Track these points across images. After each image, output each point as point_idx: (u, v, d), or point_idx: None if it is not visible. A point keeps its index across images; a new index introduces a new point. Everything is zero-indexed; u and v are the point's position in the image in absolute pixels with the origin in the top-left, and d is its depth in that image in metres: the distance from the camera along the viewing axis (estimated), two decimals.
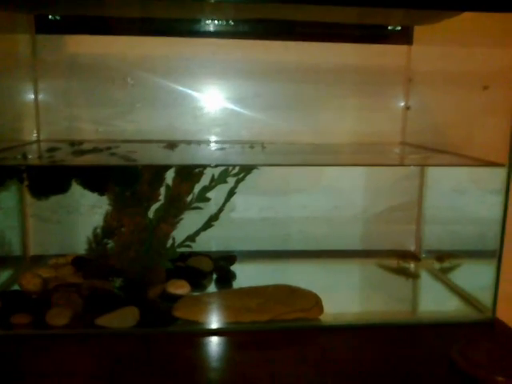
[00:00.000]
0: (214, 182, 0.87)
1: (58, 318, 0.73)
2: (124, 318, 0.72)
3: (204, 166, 0.84)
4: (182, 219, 0.85)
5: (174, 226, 0.83)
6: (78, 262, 0.90)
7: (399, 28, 1.06)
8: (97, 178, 0.78)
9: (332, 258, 1.06)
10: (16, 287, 0.84)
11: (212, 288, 0.90)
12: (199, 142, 1.01)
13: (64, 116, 1.02)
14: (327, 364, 0.66)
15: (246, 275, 0.95)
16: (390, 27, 1.08)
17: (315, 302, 0.76)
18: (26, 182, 0.76)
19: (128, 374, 0.63)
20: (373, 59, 1.07)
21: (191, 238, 0.90)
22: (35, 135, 1.01)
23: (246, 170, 0.90)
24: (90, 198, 0.96)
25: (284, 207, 1.07)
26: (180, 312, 0.74)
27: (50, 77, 1.01)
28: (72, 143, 0.95)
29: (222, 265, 0.96)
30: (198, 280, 0.90)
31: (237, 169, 0.90)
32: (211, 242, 1.03)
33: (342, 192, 1.08)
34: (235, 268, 0.97)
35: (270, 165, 0.99)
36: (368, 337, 0.73)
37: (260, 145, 0.99)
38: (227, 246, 1.04)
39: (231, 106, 1.03)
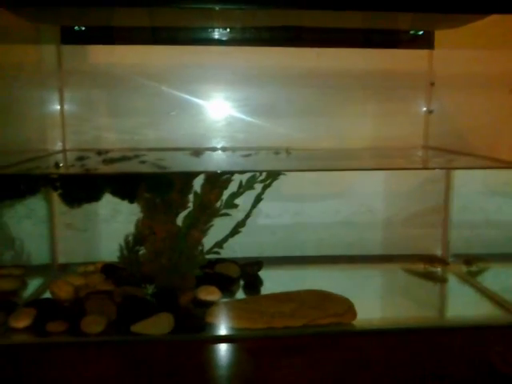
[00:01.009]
0: (242, 189, 0.87)
1: (94, 325, 0.73)
2: (159, 325, 0.72)
3: (237, 172, 0.84)
4: (212, 226, 0.85)
5: (204, 232, 0.83)
6: (108, 270, 0.90)
7: (421, 32, 1.06)
8: (128, 186, 0.78)
9: (357, 263, 1.06)
10: (47, 295, 0.85)
11: (240, 294, 0.90)
12: (223, 150, 1.02)
13: (88, 125, 1.03)
14: (366, 368, 0.65)
15: (273, 281, 0.95)
16: (411, 32, 1.08)
17: (348, 306, 0.76)
18: (59, 191, 0.76)
19: (164, 380, 0.63)
20: (394, 64, 1.07)
21: (219, 244, 0.91)
22: (60, 145, 1.02)
23: (273, 176, 0.90)
24: (115, 205, 0.97)
25: (308, 212, 1.07)
26: (214, 318, 0.74)
27: (75, 86, 1.02)
28: (99, 152, 0.96)
29: (250, 271, 0.96)
30: (226, 286, 0.90)
31: (264, 175, 0.90)
32: (237, 248, 1.03)
33: (367, 197, 1.08)
34: (262, 274, 0.97)
35: (296, 170, 0.99)
36: (402, 341, 0.73)
37: (284, 151, 0.99)
38: (252, 252, 1.04)
39: (252, 114, 1.03)
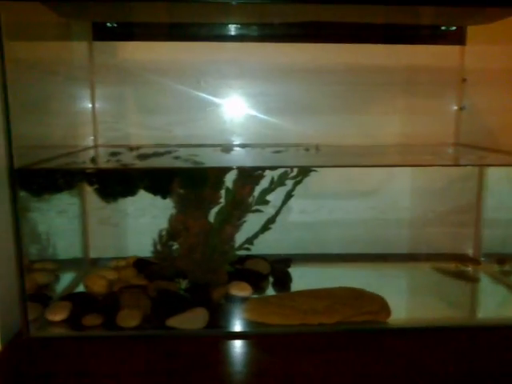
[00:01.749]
0: (274, 185, 0.87)
1: (129, 319, 0.74)
2: (194, 320, 0.73)
3: (269, 168, 0.84)
4: (245, 221, 0.85)
5: (237, 228, 0.83)
6: (140, 265, 0.91)
7: (453, 28, 1.05)
8: (162, 182, 0.79)
9: (386, 262, 1.05)
10: (80, 289, 0.86)
11: (270, 290, 0.90)
12: (253, 146, 1.02)
13: (118, 121, 1.04)
14: (400, 366, 0.65)
15: (302, 278, 0.95)
16: (443, 28, 1.06)
17: (382, 304, 0.76)
18: (95, 186, 0.77)
19: (199, 375, 0.64)
20: (424, 60, 1.06)
21: (250, 240, 0.91)
22: (91, 140, 1.03)
23: (304, 172, 0.90)
24: (145, 201, 0.97)
25: (338, 209, 1.07)
26: (249, 314, 0.74)
27: (106, 83, 1.03)
28: (130, 148, 0.97)
29: (279, 267, 0.96)
30: (256, 282, 0.90)
31: (295, 171, 0.90)
32: (266, 244, 1.02)
33: (397, 194, 1.07)
34: (291, 271, 0.97)
35: (327, 166, 0.98)
36: (438, 339, 0.72)
37: (314, 148, 0.99)
38: (281, 249, 1.04)
39: (282, 111, 1.03)
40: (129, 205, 1.02)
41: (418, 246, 1.08)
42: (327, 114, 1.06)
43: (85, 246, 1.00)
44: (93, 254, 1.04)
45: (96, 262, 1.01)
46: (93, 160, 0.79)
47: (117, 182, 0.76)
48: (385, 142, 1.08)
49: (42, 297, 0.81)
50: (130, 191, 0.77)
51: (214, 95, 1.00)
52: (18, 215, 0.70)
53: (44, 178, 0.74)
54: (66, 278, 0.92)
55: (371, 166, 1.00)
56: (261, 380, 0.63)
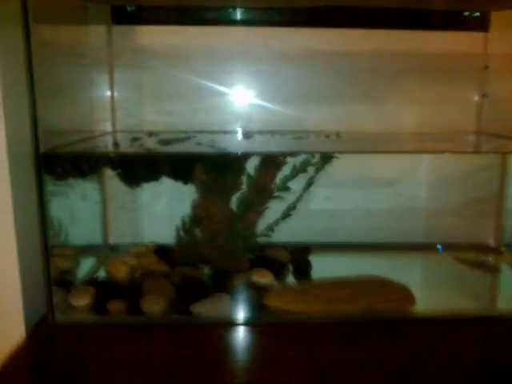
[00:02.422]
0: (296, 171, 0.86)
1: (153, 304, 0.74)
2: (218, 306, 0.73)
3: (290, 155, 0.84)
4: (267, 208, 0.85)
5: (260, 215, 0.83)
6: (161, 251, 0.91)
7: (477, 14, 1.03)
8: (186, 167, 0.78)
9: (405, 251, 1.04)
10: (101, 274, 0.86)
11: (290, 278, 0.90)
12: (272, 133, 1.01)
13: (137, 107, 1.03)
14: (424, 355, 0.65)
15: (322, 267, 0.95)
16: (466, 13, 1.04)
17: (406, 293, 0.75)
18: (118, 171, 0.77)
19: (223, 362, 0.64)
20: (445, 46, 1.04)
21: (270, 227, 0.90)
22: (109, 125, 1.02)
23: (326, 159, 0.89)
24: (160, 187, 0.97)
25: (358, 197, 1.06)
26: (272, 301, 0.74)
27: (124, 68, 1.02)
28: (149, 134, 0.96)
29: (299, 256, 0.95)
30: (276, 270, 0.90)
31: (317, 158, 0.89)
32: (285, 232, 1.02)
33: (417, 183, 1.06)
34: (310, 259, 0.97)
35: (351, 152, 0.97)
36: (460, 329, 0.72)
37: (334, 134, 0.98)
38: (300, 237, 1.04)
39: (300, 98, 1.02)
40: (146, 191, 1.02)
41: (438, 235, 1.08)
42: (346, 101, 1.05)
43: (104, 231, 1.00)
44: (111, 240, 1.04)
45: (114, 248, 1.01)
46: (115, 145, 0.79)
47: (141, 167, 0.76)
48: (404, 130, 1.07)
49: (64, 282, 0.82)
50: (154, 176, 0.77)
51: (236, 81, 0.99)
52: (43, 200, 0.70)
53: (69, 163, 0.74)
54: (86, 264, 0.92)
55: (395, 153, 0.99)
56: (284, 368, 0.62)
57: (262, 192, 0.82)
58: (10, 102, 0.69)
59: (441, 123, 1.06)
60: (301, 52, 1.01)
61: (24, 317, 0.73)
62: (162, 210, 1.02)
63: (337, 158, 0.91)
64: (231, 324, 0.72)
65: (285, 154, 0.83)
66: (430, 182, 1.07)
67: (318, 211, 1.05)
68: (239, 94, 1.01)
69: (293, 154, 0.84)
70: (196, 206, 0.82)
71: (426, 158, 1.07)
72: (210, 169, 0.77)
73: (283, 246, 0.96)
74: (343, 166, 0.99)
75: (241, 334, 0.70)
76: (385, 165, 1.07)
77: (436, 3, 1.00)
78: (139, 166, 0.77)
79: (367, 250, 1.04)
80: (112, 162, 0.77)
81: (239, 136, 0.97)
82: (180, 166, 0.78)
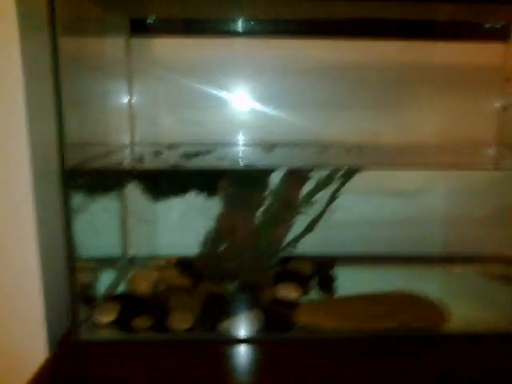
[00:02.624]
0: (320, 186, 0.85)
1: (181, 322, 0.72)
2: (249, 323, 0.71)
3: (316, 168, 0.83)
4: (294, 223, 0.83)
5: (287, 230, 0.81)
6: (182, 264, 0.90)
7: (498, 25, 1.03)
8: (210, 182, 0.77)
9: (430, 263, 1.03)
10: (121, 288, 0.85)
11: (315, 293, 0.88)
12: (294, 145, 1.00)
13: (155, 119, 1.02)
14: (458, 373, 0.63)
15: (347, 280, 0.93)
16: (486, 25, 1.04)
17: (439, 310, 0.74)
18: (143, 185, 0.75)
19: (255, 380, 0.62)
20: (465, 57, 1.03)
21: (294, 241, 0.89)
22: (128, 138, 1.01)
23: (350, 173, 0.88)
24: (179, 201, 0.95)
25: (381, 208, 1.05)
26: (303, 317, 0.72)
27: (142, 80, 1.01)
28: (169, 146, 0.95)
29: (323, 269, 0.94)
30: (300, 284, 0.88)
31: (341, 172, 0.88)
32: (307, 244, 1.01)
33: (439, 195, 1.05)
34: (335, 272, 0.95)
35: (382, 168, 0.95)
36: (491, 346, 0.70)
37: (356, 148, 0.97)
38: (323, 250, 1.02)
39: (317, 108, 1.01)
40: (165, 204, 1.01)
41: (462, 247, 1.06)
42: (364, 113, 1.04)
43: (124, 244, 0.99)
44: (130, 252, 1.03)
45: (132, 261, 1.00)
46: (140, 160, 0.77)
47: (169, 181, 0.75)
48: (425, 142, 1.06)
49: (87, 297, 0.80)
50: (182, 190, 0.76)
51: (251, 93, 0.99)
52: (69, 215, 0.68)
53: (95, 178, 0.72)
54: (104, 277, 0.90)
55: (418, 169, 0.98)
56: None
57: (288, 207, 0.81)
58: (33, 114, 0.68)
59: (461, 135, 1.05)
60: (321, 63, 1.00)
61: (47, 334, 0.72)
62: (181, 223, 1.01)
63: (360, 172, 0.90)
64: (261, 341, 0.71)
65: (312, 168, 0.82)
66: (452, 194, 1.06)
67: (339, 222, 1.03)
68: (257, 105, 1.00)
69: (323, 167, 0.83)
70: (221, 220, 0.81)
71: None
72: (235, 183, 0.76)
73: (306, 258, 0.95)
74: (365, 178, 0.98)
75: (272, 352, 0.69)
76: (406, 176, 1.06)
77: (456, 14, 0.99)
78: (167, 181, 0.75)
79: (391, 262, 1.03)
80: (138, 178, 0.76)
81: (260, 149, 0.96)
82: (207, 181, 0.76)
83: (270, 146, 0.96)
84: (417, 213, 1.06)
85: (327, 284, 0.91)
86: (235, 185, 0.77)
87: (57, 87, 0.66)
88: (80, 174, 0.69)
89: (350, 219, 1.05)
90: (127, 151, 0.95)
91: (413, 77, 1.04)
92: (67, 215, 0.68)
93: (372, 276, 0.98)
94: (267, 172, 0.80)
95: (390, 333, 0.72)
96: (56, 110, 0.67)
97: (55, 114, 0.67)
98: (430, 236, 1.06)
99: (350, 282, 0.93)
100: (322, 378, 0.63)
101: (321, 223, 0.93)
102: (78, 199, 0.73)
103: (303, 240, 0.92)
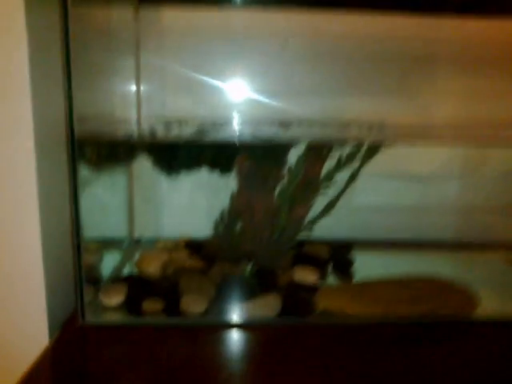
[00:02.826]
0: (342, 164, 0.80)
1: (195, 305, 0.67)
2: (267, 307, 0.66)
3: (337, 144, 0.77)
4: (315, 202, 0.78)
5: (308, 209, 0.76)
6: (193, 246, 0.85)
7: None
8: (225, 157, 0.72)
9: (451, 249, 0.99)
10: (127, 270, 0.80)
11: (332, 277, 0.83)
12: (311, 123, 0.94)
13: (163, 94, 0.97)
14: (488, 361, 0.59)
15: (365, 265, 0.89)
16: None
17: (469, 295, 0.69)
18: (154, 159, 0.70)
19: (275, 366, 0.58)
20: (492, 34, 0.98)
21: (311, 223, 0.84)
22: (135, 113, 0.96)
23: (371, 151, 0.83)
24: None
25: (401, 192, 1.00)
26: (325, 302, 0.68)
27: (150, 53, 0.95)
28: (180, 122, 0.90)
29: (340, 253, 0.89)
30: (318, 268, 0.83)
31: (363, 150, 0.83)
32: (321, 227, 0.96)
33: (463, 179, 1.01)
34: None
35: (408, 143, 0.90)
36: None
37: (377, 126, 0.92)
38: (340, 234, 0.97)
39: (331, 89, 0.96)
40: (172, 184, 0.96)
41: (486, 233, 1.02)
42: (380, 91, 0.99)
43: (130, 225, 0.93)
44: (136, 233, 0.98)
45: (139, 242, 0.95)
46: (152, 132, 0.72)
47: (184, 155, 0.69)
48: (443, 122, 1.01)
49: (92, 278, 0.75)
50: (196, 165, 0.70)
51: (266, 68, 0.93)
52: (76, 191, 0.63)
53: (105, 151, 0.67)
54: (109, 258, 0.85)
55: (444, 146, 0.93)
56: (339, 374, 0.56)
57: (308, 185, 0.75)
58: (37, 83, 0.62)
59: (481, 116, 1.00)
60: (332, 37, 0.95)
61: (48, 318, 0.66)
62: (189, 204, 0.96)
63: (381, 150, 0.85)
64: (280, 326, 0.66)
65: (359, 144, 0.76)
66: (470, 177, 1.02)
67: (355, 206, 0.99)
68: (272, 83, 0.94)
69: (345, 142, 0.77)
70: (236, 199, 0.76)
71: (471, 153, 1.02)
72: (256, 159, 0.70)
73: (323, 243, 0.90)
74: (383, 159, 0.93)
75: (290, 337, 0.64)
76: (426, 158, 1.02)
77: None
78: (180, 155, 0.70)
79: (411, 247, 0.98)
80: (151, 150, 0.70)
81: (275, 126, 0.91)
82: (222, 156, 0.71)
83: (285, 124, 0.91)
84: (435, 197, 1.02)
85: (344, 268, 0.86)
86: (253, 161, 0.71)
87: (66, 56, 0.60)
88: (90, 146, 0.64)
89: (367, 203, 1.00)
90: (134, 126, 0.90)
91: (429, 52, 0.98)
92: (74, 191, 0.63)
93: (389, 261, 0.93)
94: (286, 147, 0.75)
95: (417, 319, 0.67)
96: (65, 80, 0.61)
97: (63, 85, 0.62)
98: (449, 222, 1.02)
99: (367, 267, 0.88)
100: (344, 365, 0.58)
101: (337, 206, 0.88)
102: (84, 175, 0.68)
103: (318, 223, 0.88)
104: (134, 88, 0.95)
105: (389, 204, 1.01)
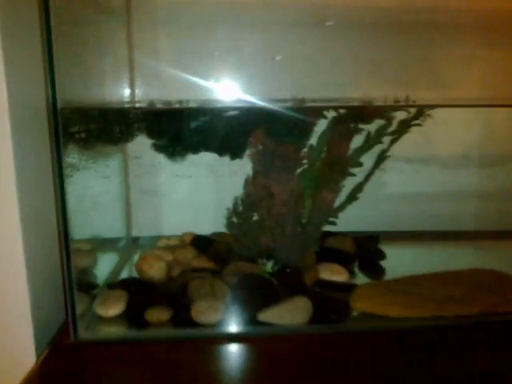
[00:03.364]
0: (371, 141, 0.69)
1: (209, 313, 0.56)
2: (295, 312, 0.55)
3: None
4: (343, 186, 0.67)
5: (336, 194, 0.65)
6: (200, 243, 0.74)
7: None
8: (236, 135, 0.60)
9: (478, 240, 0.88)
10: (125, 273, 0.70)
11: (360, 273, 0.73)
12: (327, 101, 0.84)
13: (157, 73, 0.86)
14: None
15: (395, 259, 0.78)
16: None
17: None
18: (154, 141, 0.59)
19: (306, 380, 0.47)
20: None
21: (334, 212, 0.73)
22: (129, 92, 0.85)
23: (404, 127, 0.72)
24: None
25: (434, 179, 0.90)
26: (362, 304, 0.57)
27: (143, 27, 0.84)
28: (179, 101, 0.79)
29: (366, 246, 0.78)
30: (344, 264, 0.72)
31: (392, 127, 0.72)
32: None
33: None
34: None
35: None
36: None
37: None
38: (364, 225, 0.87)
39: (349, 65, 0.86)
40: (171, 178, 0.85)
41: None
42: (396, 65, 0.88)
43: (127, 220, 0.82)
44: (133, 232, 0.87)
45: (138, 241, 0.84)
46: (151, 104, 0.61)
47: (188, 133, 0.58)
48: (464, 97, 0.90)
49: (85, 285, 0.63)
50: (204, 145, 0.59)
51: (271, 42, 0.83)
52: (63, 180, 0.51)
53: (96, 125, 0.55)
54: (104, 260, 0.74)
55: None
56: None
57: (335, 165, 0.64)
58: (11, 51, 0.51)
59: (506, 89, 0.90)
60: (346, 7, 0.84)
61: (33, 332, 0.55)
62: (190, 198, 0.86)
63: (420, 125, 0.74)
64: (312, 334, 0.55)
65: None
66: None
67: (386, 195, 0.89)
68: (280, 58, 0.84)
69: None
70: (252, 185, 0.64)
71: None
72: (275, 134, 0.59)
73: (347, 235, 0.79)
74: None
75: (325, 346, 0.53)
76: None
77: None
78: (186, 131, 0.59)
79: (441, 239, 0.88)
80: (150, 122, 0.59)
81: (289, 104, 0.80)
82: (235, 133, 0.59)
83: (299, 101, 0.79)
84: (465, 186, 0.91)
85: (375, 263, 0.76)
86: (271, 137, 0.60)
87: (46, 20, 0.49)
88: (76, 119, 0.52)
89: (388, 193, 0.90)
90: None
91: (452, 23, 0.87)
92: (60, 182, 0.52)
93: (418, 254, 0.83)
94: (309, 122, 0.64)
95: (473, 319, 0.56)
96: (44, 41, 0.50)
97: (44, 61, 0.51)
98: (481, 212, 0.92)
99: (396, 261, 0.77)
100: (388, 374, 0.47)
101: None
102: (72, 162, 0.57)
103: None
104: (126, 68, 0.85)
105: (413, 193, 0.91)
